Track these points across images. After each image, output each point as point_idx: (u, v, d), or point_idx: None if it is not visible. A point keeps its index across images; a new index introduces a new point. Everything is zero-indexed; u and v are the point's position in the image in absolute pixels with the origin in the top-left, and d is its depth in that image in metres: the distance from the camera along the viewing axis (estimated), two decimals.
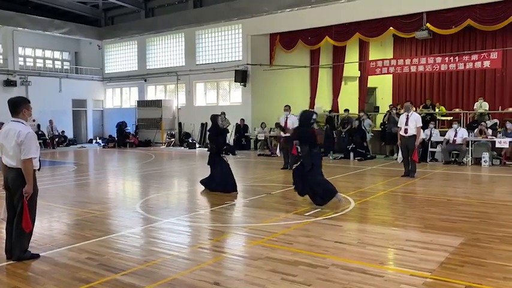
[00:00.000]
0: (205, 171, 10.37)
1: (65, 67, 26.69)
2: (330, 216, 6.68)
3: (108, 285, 4.04)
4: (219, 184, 8.94)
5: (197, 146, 21.00)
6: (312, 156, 7.64)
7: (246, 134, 19.39)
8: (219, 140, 9.23)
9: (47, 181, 10.62)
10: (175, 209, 7.78)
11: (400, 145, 11.35)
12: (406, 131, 10.75)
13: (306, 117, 7.98)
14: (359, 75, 21.94)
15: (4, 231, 4.89)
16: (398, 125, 11.37)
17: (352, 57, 21.23)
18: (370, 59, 20.32)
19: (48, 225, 6.43)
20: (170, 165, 15.12)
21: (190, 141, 21.30)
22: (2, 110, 20.46)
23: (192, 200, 8.80)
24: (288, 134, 12.39)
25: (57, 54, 26.82)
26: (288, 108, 12.70)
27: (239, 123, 19.42)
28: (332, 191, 7.47)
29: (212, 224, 6.46)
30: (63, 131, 23.13)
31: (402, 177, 10.76)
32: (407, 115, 10.83)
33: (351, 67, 21.41)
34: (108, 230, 6.17)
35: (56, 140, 22.10)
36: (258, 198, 8.33)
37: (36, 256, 4.78)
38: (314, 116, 7.98)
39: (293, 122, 12.41)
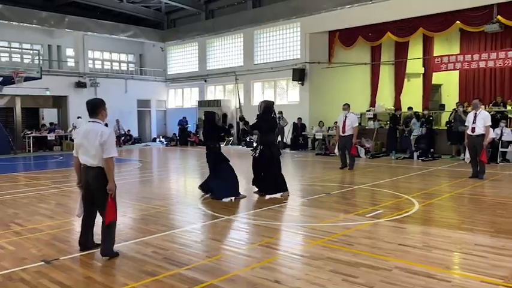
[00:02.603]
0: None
1: (130, 69, 27.98)
2: (392, 218, 6.49)
3: (172, 279, 4.18)
4: (233, 187, 8.39)
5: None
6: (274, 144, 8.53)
7: (303, 133, 19.29)
8: (215, 136, 8.67)
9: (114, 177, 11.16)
10: (235, 206, 7.90)
11: (467, 145, 10.80)
12: (473, 130, 10.21)
13: (271, 105, 8.78)
14: (423, 72, 21.09)
15: (78, 224, 5.16)
16: (465, 124, 10.83)
17: (415, 53, 20.43)
18: (434, 54, 19.46)
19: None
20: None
21: (248, 139, 21.54)
22: (74, 109, 21.83)
23: (249, 198, 8.88)
24: (347, 134, 12.17)
25: (123, 57, 28.18)
26: (346, 106, 12.41)
27: (296, 122, 19.35)
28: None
29: (271, 222, 6.49)
30: (128, 130, 24.29)
31: (470, 178, 10.23)
32: (475, 113, 10.28)
33: (415, 63, 20.61)
34: (172, 225, 6.39)
35: (122, 138, 23.23)
36: (316, 198, 8.26)
37: (117, 254, 4.90)
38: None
39: (352, 121, 12.17)
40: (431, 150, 14.98)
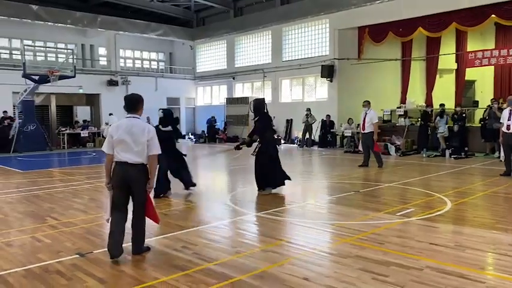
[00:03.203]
0: (291, 167, 10.38)
1: (160, 67, 28.42)
2: (424, 217, 6.36)
3: (202, 274, 4.24)
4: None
5: (282, 141, 21.19)
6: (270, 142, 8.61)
7: (331, 131, 19.12)
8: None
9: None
10: (262, 203, 7.92)
11: (502, 142, 10.48)
12: (508, 127, 9.92)
13: (260, 102, 8.69)
14: (456, 68, 20.52)
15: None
16: (500, 121, 10.51)
17: (448, 48, 19.91)
18: (468, 49, 18.91)
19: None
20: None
21: (275, 137, 21.50)
22: (106, 107, 22.37)
23: (277, 195, 8.89)
24: (367, 131, 12.07)
25: (153, 55, 28.65)
26: (366, 103, 12.38)
27: (325, 119, 19.21)
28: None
29: (299, 219, 6.48)
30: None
31: (501, 176, 9.95)
32: (511, 110, 9.96)
33: (447, 59, 20.08)
34: (201, 221, 6.48)
35: None
36: (345, 195, 8.19)
37: (149, 249, 4.90)
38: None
39: (371, 118, 12.06)
40: (465, 148, 14.60)
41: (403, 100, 20.36)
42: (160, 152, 4.74)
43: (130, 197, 4.77)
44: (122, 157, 4.61)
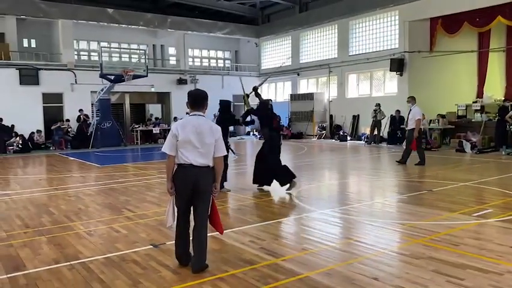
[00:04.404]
0: (358, 164, 10.13)
1: (226, 65, 28.97)
2: (503, 219, 5.96)
3: (269, 269, 4.29)
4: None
5: (348, 138, 20.77)
6: (272, 139, 8.48)
7: (401, 126, 18.40)
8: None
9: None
10: (328, 200, 7.84)
11: None
12: None
13: (264, 103, 8.96)
14: None
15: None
16: None
17: None
18: None
19: None
20: (321, 157, 15.26)
21: (341, 133, 21.17)
22: (176, 105, 23.14)
23: (343, 192, 8.75)
24: (410, 127, 11.61)
25: (220, 54, 29.25)
26: (410, 99, 12.08)
27: (394, 114, 18.55)
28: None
29: (367, 218, 6.33)
30: None
31: None
32: None
33: None
34: (267, 217, 6.54)
35: None
36: (416, 194, 7.87)
37: (207, 266, 4.34)
38: (270, 102, 9.28)
39: (413, 114, 11.55)
40: None
41: (480, 94, 19.15)
42: (226, 153, 4.46)
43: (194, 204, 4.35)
44: (186, 159, 4.19)
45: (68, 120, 20.27)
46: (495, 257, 4.47)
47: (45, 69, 20.28)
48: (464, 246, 4.84)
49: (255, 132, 26.47)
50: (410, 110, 11.90)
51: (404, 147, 12.51)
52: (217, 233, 4.72)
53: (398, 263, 4.45)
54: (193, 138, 4.17)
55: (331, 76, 22.85)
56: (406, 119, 11.91)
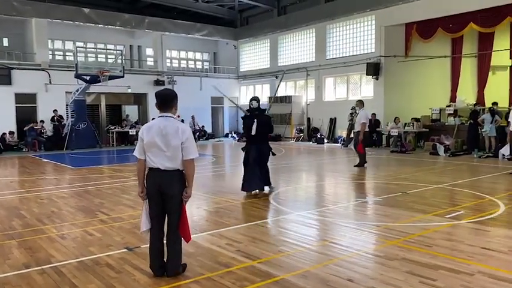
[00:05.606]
0: (334, 166, 10.21)
1: (204, 67, 28.86)
2: (475, 220, 6.11)
3: (246, 271, 4.27)
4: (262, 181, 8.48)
5: (325, 141, 20.98)
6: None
7: (377, 130, 18.71)
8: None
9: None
10: (305, 202, 7.88)
11: (509, 141, 10.44)
12: None
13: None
14: (510, 64, 19.47)
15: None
16: (508, 120, 10.31)
17: (501, 44, 18.90)
18: None
19: (191, 212, 7.02)
20: (298, 159, 15.35)
21: (318, 136, 21.35)
22: (153, 106, 23.11)
23: (320, 194, 8.82)
24: (356, 130, 12.08)
25: (198, 55, 29.14)
26: (358, 103, 12.48)
27: (370, 118, 18.78)
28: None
29: (343, 220, 6.39)
30: (203, 126, 25.13)
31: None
32: None
33: (501, 55, 19.08)
34: (244, 219, 6.53)
35: (197, 134, 24.06)
36: (391, 196, 7.99)
37: (185, 266, 4.32)
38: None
39: (360, 118, 12.04)
40: None
41: (453, 98, 19.61)
42: (197, 156, 4.11)
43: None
44: (153, 163, 4.06)
45: (42, 121, 19.81)
46: (466, 257, 4.57)
47: (18, 68, 19.81)
48: (437, 247, 4.93)
49: (233, 134, 26.46)
50: (358, 113, 12.25)
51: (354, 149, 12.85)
52: (194, 235, 4.77)
53: (373, 265, 4.51)
54: (159, 141, 4.02)
55: (308, 79, 23.04)
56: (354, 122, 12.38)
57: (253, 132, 8.27)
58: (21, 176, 11.67)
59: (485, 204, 7.20)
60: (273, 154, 8.77)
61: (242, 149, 8.68)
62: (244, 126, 8.75)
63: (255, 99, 8.52)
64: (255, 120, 8.30)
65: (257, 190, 8.32)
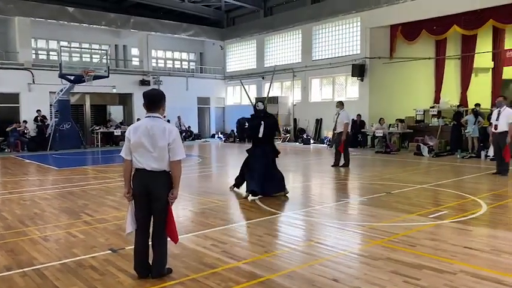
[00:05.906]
0: (320, 167, 10.23)
1: (191, 67, 28.76)
2: (457, 220, 6.19)
3: (231, 272, 4.27)
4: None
5: (312, 141, 21.07)
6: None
7: (362, 130, 18.85)
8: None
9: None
10: (291, 202, 7.89)
11: (491, 142, 10.82)
12: (496, 127, 10.32)
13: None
14: (492, 67, 19.84)
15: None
16: (490, 121, 10.97)
17: (484, 46, 19.27)
18: (506, 48, 18.27)
19: (176, 213, 6.97)
20: (285, 160, 15.36)
21: (304, 137, 21.44)
22: (139, 106, 22.69)
23: (307, 195, 8.85)
24: (338, 131, 12.24)
25: (184, 55, 29.03)
26: (339, 104, 12.73)
27: (355, 119, 18.92)
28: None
29: (329, 220, 6.43)
30: (189, 126, 25.02)
31: (493, 174, 10.41)
32: (499, 111, 10.26)
33: (483, 57, 19.46)
34: (230, 220, 6.52)
35: (183, 134, 23.94)
36: (376, 197, 8.06)
37: (170, 270, 4.28)
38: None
39: (341, 118, 12.27)
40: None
41: (437, 100, 19.88)
42: (184, 157, 4.09)
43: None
44: (140, 163, 4.03)
45: (25, 122, 19.49)
46: (449, 257, 4.63)
47: (1, 68, 19.49)
48: (421, 247, 4.99)
49: (219, 135, 26.40)
50: (339, 114, 12.38)
51: (334, 150, 12.97)
52: (179, 236, 4.55)
53: (357, 264, 4.54)
54: (146, 141, 3.99)
55: (295, 80, 23.12)
56: (335, 123, 12.40)
57: (260, 135, 8.22)
58: (3, 177, 11.47)
59: (468, 204, 7.30)
60: (278, 153, 8.73)
61: (247, 151, 8.59)
62: (248, 127, 8.66)
63: (261, 101, 8.58)
64: (262, 122, 8.24)
65: (282, 192, 8.19)
